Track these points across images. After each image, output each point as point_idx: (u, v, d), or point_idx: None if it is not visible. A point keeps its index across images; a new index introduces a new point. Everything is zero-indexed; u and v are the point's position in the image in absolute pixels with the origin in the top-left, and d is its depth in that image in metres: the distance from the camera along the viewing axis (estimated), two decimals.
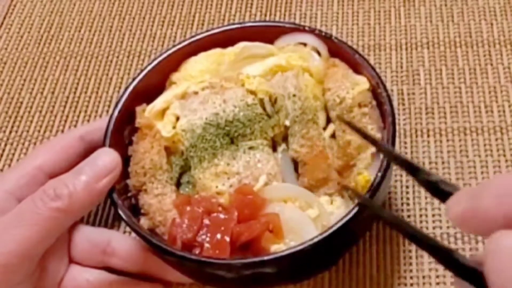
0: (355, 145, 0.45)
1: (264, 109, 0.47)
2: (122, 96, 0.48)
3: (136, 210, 0.45)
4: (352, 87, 0.47)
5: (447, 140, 0.54)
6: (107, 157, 0.44)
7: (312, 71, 0.49)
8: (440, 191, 0.32)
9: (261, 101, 0.47)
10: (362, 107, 0.47)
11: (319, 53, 0.50)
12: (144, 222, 0.45)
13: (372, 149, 0.45)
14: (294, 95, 0.47)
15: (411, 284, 0.47)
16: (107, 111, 0.59)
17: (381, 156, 0.44)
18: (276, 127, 0.47)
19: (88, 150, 0.46)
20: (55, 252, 0.45)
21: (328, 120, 0.48)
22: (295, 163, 0.46)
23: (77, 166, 0.44)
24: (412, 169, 0.34)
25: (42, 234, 0.42)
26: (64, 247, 0.47)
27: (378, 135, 0.46)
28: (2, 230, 0.42)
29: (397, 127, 0.45)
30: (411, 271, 0.47)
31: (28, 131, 0.59)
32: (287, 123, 0.46)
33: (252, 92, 0.47)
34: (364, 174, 0.44)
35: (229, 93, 0.47)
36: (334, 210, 0.44)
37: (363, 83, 0.48)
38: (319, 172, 0.44)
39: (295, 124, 0.46)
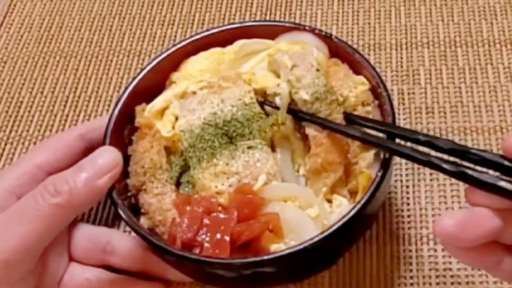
0: (358, 143, 0.45)
1: (263, 108, 0.47)
2: (122, 95, 0.48)
3: (136, 210, 0.45)
4: (354, 86, 0.47)
5: None
6: (109, 155, 0.44)
7: None
8: None
9: (265, 95, 0.47)
10: (365, 105, 0.47)
11: None
12: (144, 221, 0.44)
13: (375, 149, 0.45)
14: (318, 70, 0.46)
15: (411, 284, 0.47)
16: (107, 111, 0.59)
17: (382, 155, 0.44)
18: (274, 126, 0.46)
19: (88, 149, 0.46)
20: (55, 250, 0.45)
21: None
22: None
23: (78, 163, 0.44)
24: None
25: (43, 231, 0.42)
26: (64, 245, 0.47)
27: (380, 134, 0.46)
28: (3, 227, 0.42)
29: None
30: (411, 271, 0.47)
31: (28, 131, 0.59)
32: (306, 96, 0.45)
33: (261, 90, 0.47)
34: (366, 173, 0.44)
35: (227, 93, 0.47)
36: (334, 209, 0.44)
37: (364, 82, 0.48)
38: (334, 154, 0.44)
39: (318, 102, 0.45)
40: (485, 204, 0.33)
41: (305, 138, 0.46)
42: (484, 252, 0.34)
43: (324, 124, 0.44)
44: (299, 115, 0.45)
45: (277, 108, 0.46)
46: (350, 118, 0.46)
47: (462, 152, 0.37)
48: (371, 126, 0.44)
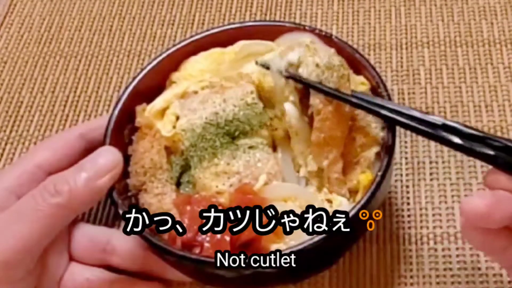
0: (360, 143, 0.45)
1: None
2: (122, 95, 0.48)
3: None
4: (356, 85, 0.47)
5: None
6: (109, 155, 0.44)
7: None
8: None
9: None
10: None
11: None
12: None
13: (376, 148, 0.45)
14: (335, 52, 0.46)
15: (411, 284, 0.47)
16: (107, 111, 0.59)
17: (383, 156, 0.44)
18: (276, 119, 0.46)
19: (88, 149, 0.46)
20: (55, 250, 0.45)
21: None
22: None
23: (78, 163, 0.44)
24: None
25: (42, 230, 0.42)
26: (64, 245, 0.47)
27: (380, 134, 0.46)
28: (3, 227, 0.42)
29: (397, 126, 0.45)
30: (411, 270, 0.47)
31: (28, 131, 0.59)
32: (319, 60, 0.44)
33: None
34: (367, 173, 0.44)
35: (229, 93, 0.47)
36: (334, 209, 0.44)
37: (364, 82, 0.48)
38: (337, 130, 0.44)
39: (329, 71, 0.44)
40: (506, 187, 0.34)
41: (311, 122, 0.45)
42: (496, 235, 0.34)
43: (331, 93, 0.43)
44: (304, 82, 0.44)
45: (268, 68, 0.46)
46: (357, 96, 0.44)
47: (482, 138, 0.37)
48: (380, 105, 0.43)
